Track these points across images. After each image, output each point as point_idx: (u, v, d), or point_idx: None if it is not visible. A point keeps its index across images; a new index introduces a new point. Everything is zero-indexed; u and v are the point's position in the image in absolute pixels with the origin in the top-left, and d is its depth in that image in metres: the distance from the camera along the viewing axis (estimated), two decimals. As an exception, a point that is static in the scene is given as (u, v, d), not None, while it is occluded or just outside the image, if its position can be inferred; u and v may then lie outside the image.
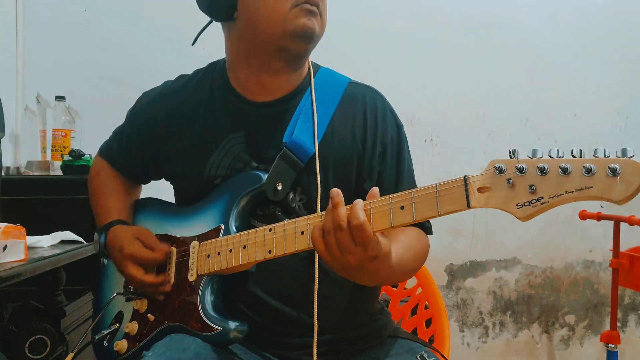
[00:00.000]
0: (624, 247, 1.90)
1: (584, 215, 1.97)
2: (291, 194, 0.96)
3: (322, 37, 0.98)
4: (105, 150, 1.18)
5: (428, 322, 1.37)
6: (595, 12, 2.43)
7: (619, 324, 2.49)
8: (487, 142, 2.35)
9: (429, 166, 2.25)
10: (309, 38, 0.93)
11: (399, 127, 1.04)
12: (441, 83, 2.34)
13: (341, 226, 0.71)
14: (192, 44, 1.06)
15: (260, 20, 0.92)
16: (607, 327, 2.30)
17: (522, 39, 2.39)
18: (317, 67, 1.06)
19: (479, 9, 2.36)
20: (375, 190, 0.76)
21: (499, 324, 2.43)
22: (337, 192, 0.74)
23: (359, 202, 0.72)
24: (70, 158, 1.80)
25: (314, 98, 0.99)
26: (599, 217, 1.92)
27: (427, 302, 1.39)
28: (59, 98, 1.94)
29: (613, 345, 1.87)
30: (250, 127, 1.00)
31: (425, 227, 1.00)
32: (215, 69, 1.07)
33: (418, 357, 0.96)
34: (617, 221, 1.89)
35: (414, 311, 1.43)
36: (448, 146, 2.35)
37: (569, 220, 2.39)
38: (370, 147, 0.99)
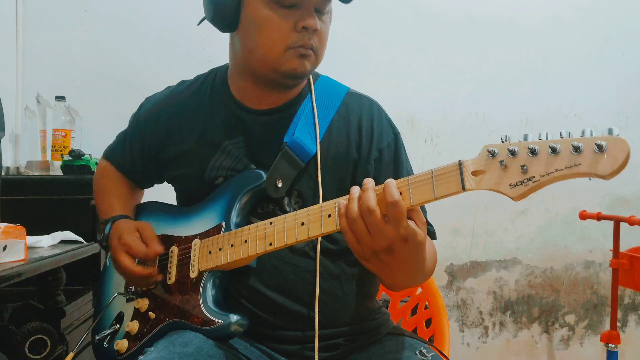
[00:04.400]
0: (624, 247, 1.89)
1: (584, 216, 1.97)
2: (286, 199, 0.98)
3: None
4: (110, 155, 1.20)
5: (428, 322, 1.37)
6: (595, 12, 2.43)
7: (619, 324, 2.49)
8: (487, 142, 2.33)
9: (429, 166, 2.22)
10: (299, 78, 0.96)
11: (395, 134, 1.04)
12: (441, 83, 2.34)
13: (370, 208, 0.72)
14: (198, 24, 1.05)
15: (254, 54, 0.94)
16: (607, 327, 2.30)
17: (522, 39, 2.39)
18: (316, 74, 1.07)
19: (480, 9, 2.36)
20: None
21: (499, 324, 2.43)
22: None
23: (391, 181, 0.73)
24: (70, 158, 1.80)
25: (314, 101, 1.01)
26: (599, 217, 1.91)
27: (427, 302, 1.39)
28: (59, 98, 1.94)
29: (613, 345, 1.87)
30: (250, 133, 1.01)
31: (430, 232, 1.00)
32: (216, 75, 1.08)
33: (417, 352, 0.96)
34: (617, 221, 1.88)
35: (414, 311, 1.43)
36: (448, 146, 2.35)
37: (569, 220, 2.39)
38: (365, 153, 1.00)
